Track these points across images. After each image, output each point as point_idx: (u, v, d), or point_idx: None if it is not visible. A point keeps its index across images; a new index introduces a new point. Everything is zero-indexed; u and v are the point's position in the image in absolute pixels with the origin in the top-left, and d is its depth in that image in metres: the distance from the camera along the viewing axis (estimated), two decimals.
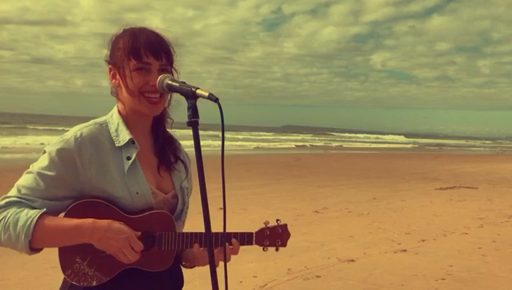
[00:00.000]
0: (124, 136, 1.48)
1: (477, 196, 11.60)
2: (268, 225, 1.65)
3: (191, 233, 1.50)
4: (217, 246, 1.52)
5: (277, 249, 1.67)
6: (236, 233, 1.56)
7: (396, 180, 14.94)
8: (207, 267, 1.33)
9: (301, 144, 45.95)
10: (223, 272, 1.28)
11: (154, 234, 1.46)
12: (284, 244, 1.67)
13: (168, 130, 1.65)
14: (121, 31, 1.51)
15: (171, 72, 1.51)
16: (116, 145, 1.47)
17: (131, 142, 1.48)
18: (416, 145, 60.50)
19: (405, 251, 6.28)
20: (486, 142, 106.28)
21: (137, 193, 1.44)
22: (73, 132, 1.44)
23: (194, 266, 1.64)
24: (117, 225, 1.38)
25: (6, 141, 25.63)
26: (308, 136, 73.05)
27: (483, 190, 12.94)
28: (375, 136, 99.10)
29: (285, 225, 1.68)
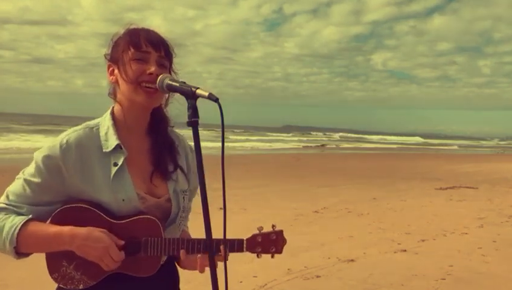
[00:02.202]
0: (112, 141, 1.46)
1: (477, 196, 11.59)
2: (261, 231, 1.58)
3: (177, 239, 1.48)
4: (205, 252, 1.49)
5: (272, 256, 1.60)
6: (226, 240, 1.48)
7: (396, 180, 14.93)
8: (207, 268, 1.33)
9: (308, 145, 45.46)
10: (223, 272, 1.28)
11: (139, 240, 1.44)
12: (279, 251, 1.59)
13: (173, 131, 1.63)
14: (122, 30, 1.51)
15: (170, 71, 1.51)
16: (104, 150, 1.45)
17: (118, 147, 1.46)
18: (423, 147, 59.68)
19: (405, 251, 6.28)
20: (487, 142, 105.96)
21: (123, 199, 1.43)
22: (60, 138, 1.44)
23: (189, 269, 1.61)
24: (97, 233, 1.38)
25: (6, 141, 25.61)
26: (308, 137, 72.92)
27: (483, 190, 12.94)
28: (392, 137, 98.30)
29: (281, 231, 1.60)
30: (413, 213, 9.13)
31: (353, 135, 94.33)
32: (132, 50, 1.44)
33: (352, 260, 5.74)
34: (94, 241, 1.37)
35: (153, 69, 1.42)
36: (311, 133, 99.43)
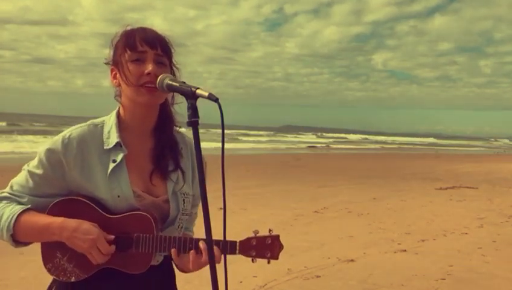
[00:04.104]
0: (113, 139, 1.48)
1: (477, 196, 11.59)
2: (256, 235, 1.53)
3: (169, 237, 1.47)
4: (196, 252, 1.46)
5: (268, 262, 1.55)
6: (219, 240, 1.46)
7: (396, 180, 14.93)
8: (207, 267, 1.33)
9: (310, 145, 44.97)
10: (223, 272, 1.28)
11: (131, 236, 1.45)
12: (274, 257, 1.54)
13: (179, 131, 1.62)
14: (121, 31, 1.51)
15: (170, 68, 1.50)
16: (105, 147, 1.48)
17: (118, 145, 1.48)
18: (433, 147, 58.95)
19: (405, 251, 6.28)
20: (497, 142, 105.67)
21: (118, 196, 1.45)
22: (64, 133, 1.48)
23: (185, 272, 1.58)
24: (86, 225, 1.40)
25: (6, 141, 25.60)
26: (309, 137, 72.68)
27: (483, 190, 12.94)
28: (404, 138, 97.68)
29: (277, 236, 1.55)
30: (413, 213, 9.13)
31: (359, 136, 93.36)
32: (128, 52, 1.44)
33: (352, 260, 5.74)
34: (83, 233, 1.39)
35: (150, 68, 1.41)
36: (312, 133, 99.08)
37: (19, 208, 1.43)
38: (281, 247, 1.56)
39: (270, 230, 1.56)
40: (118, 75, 1.48)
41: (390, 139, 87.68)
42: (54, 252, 1.46)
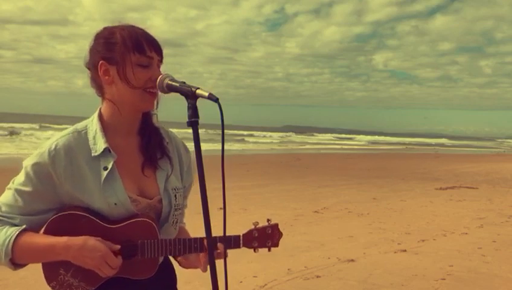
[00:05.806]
0: (100, 145, 1.43)
1: (477, 196, 11.59)
2: (257, 226, 1.59)
3: (175, 239, 1.48)
4: (202, 250, 1.50)
5: (269, 250, 1.62)
6: (223, 236, 1.46)
7: (396, 180, 14.93)
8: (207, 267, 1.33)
9: (316, 146, 44.51)
10: (223, 272, 1.28)
11: (136, 243, 1.44)
12: (275, 245, 1.61)
13: (164, 129, 1.61)
14: (112, 25, 1.47)
15: None
16: (93, 154, 1.43)
17: (107, 151, 1.43)
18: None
19: (405, 251, 6.28)
20: (488, 142, 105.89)
21: (115, 203, 1.41)
22: (48, 144, 1.42)
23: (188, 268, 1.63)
24: (92, 242, 1.36)
25: (7, 141, 25.60)
26: (312, 137, 72.36)
27: (483, 190, 12.94)
28: (417, 139, 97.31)
29: (276, 225, 1.62)
30: (413, 213, 9.13)
31: (365, 137, 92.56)
32: (137, 55, 1.41)
33: (352, 260, 5.73)
34: (90, 251, 1.36)
35: (156, 75, 1.40)
36: (314, 133, 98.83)
37: (14, 230, 1.37)
38: (280, 235, 1.63)
39: (268, 220, 1.63)
40: (111, 72, 1.43)
41: (395, 139, 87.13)
42: (57, 269, 1.44)
